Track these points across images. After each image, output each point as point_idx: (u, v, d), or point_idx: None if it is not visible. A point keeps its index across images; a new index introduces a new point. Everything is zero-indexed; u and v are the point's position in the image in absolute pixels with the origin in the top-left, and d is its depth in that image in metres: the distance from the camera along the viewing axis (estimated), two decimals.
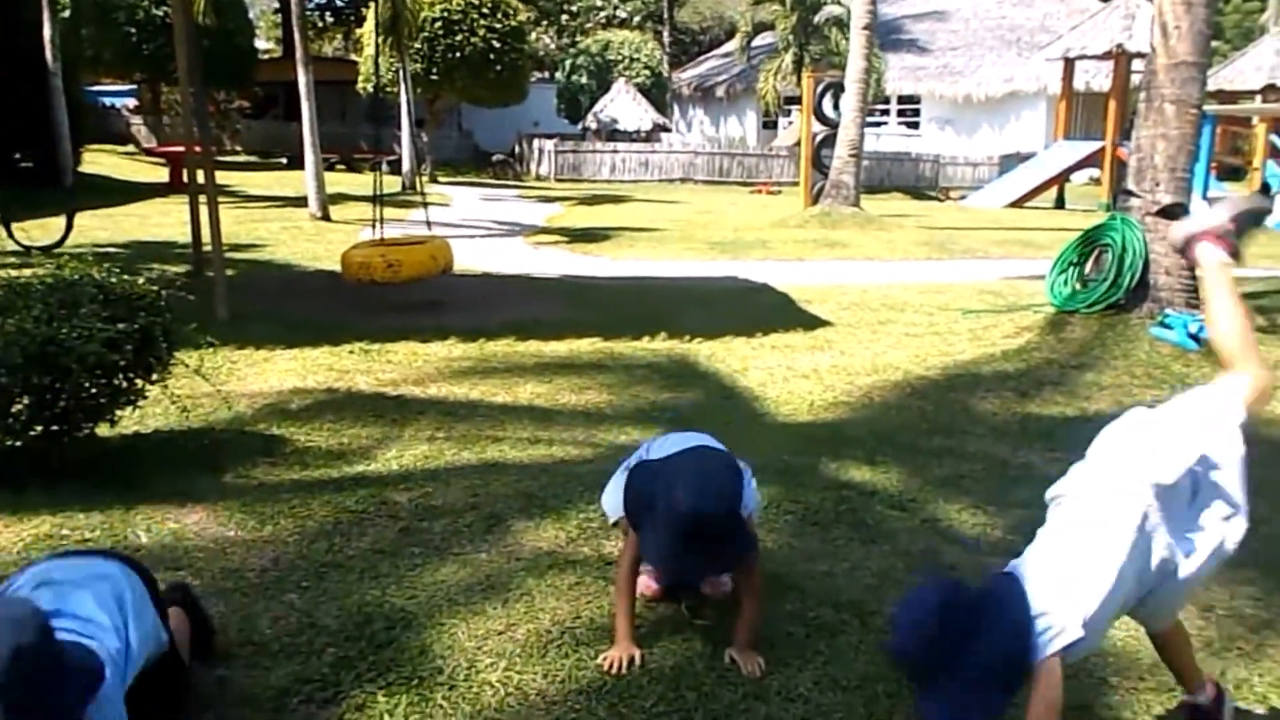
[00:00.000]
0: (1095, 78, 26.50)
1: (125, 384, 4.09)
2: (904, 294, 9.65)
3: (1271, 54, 24.70)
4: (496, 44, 23.65)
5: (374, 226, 8.76)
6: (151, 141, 27.16)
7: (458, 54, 23.31)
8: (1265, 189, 21.05)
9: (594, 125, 30.71)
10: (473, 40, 23.37)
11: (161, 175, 18.80)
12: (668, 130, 32.80)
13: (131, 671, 2.18)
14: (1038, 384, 5.98)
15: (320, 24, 38.67)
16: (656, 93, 33.01)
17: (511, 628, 2.96)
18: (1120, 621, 3.02)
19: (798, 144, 23.03)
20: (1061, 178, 23.05)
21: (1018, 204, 22.36)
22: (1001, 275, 11.11)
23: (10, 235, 9.85)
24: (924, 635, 2.19)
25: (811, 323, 8.19)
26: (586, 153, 29.73)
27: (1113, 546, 2.28)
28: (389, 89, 22.07)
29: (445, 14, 23.10)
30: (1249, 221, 2.71)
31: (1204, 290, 2.69)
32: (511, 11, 24.35)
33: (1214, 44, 8.83)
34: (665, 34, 40.35)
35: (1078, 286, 7.48)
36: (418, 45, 22.39)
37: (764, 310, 8.87)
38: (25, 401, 3.75)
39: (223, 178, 13.64)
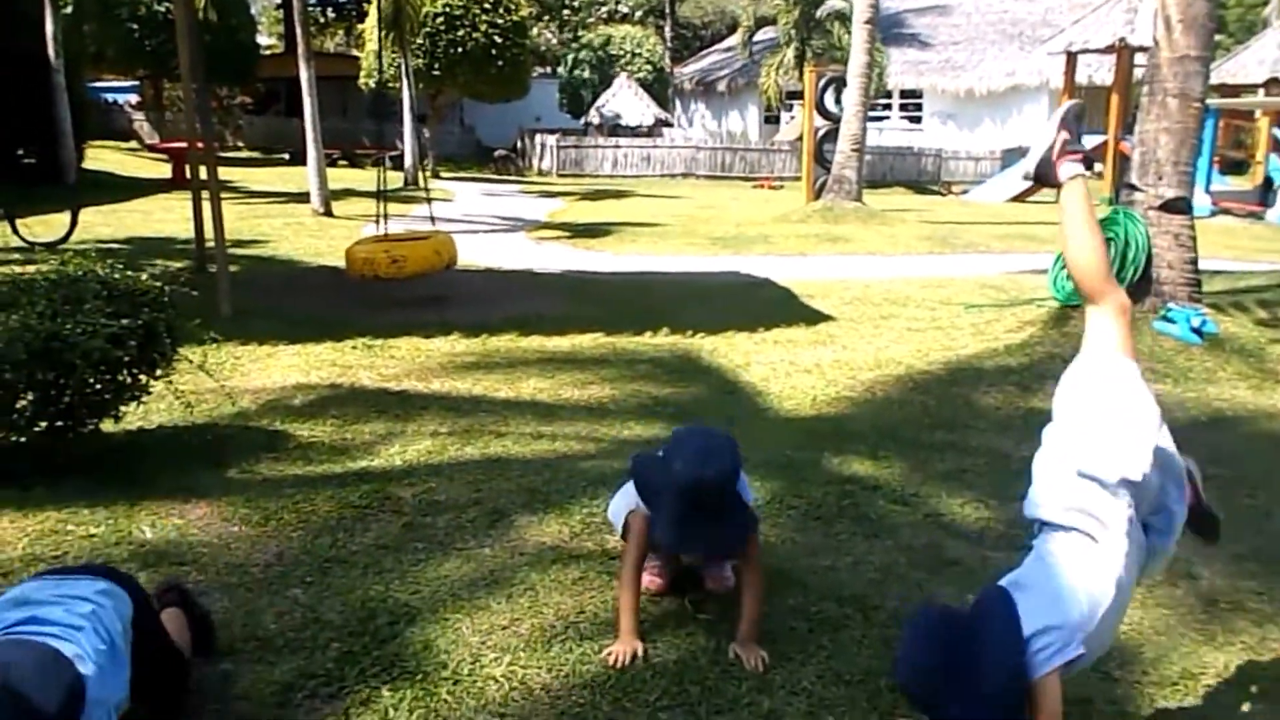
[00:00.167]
0: (1098, 71, 26.44)
1: (129, 380, 4.09)
2: (906, 289, 9.65)
3: (1274, 47, 24.60)
4: (498, 39, 23.66)
5: (377, 222, 8.77)
6: (154, 138, 27.15)
7: (460, 49, 23.33)
8: (1269, 184, 21.03)
9: (596, 120, 30.69)
10: (474, 35, 23.38)
11: (164, 171, 18.80)
12: (669, 125, 32.79)
13: (121, 676, 2.14)
14: (1040, 378, 5.98)
15: (322, 19, 38.66)
16: (658, 88, 32.99)
17: (515, 622, 2.97)
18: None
19: (800, 139, 23.02)
20: None
21: (1020, 198, 22.34)
22: (1004, 270, 11.12)
23: (15, 231, 9.86)
24: (923, 669, 2.21)
25: (814, 318, 8.19)
26: (588, 148, 29.71)
27: (1107, 561, 2.27)
28: (391, 84, 22.07)
29: (447, 9, 23.11)
30: (1075, 122, 2.69)
31: (1064, 213, 2.62)
32: (513, 6, 24.36)
33: (1217, 38, 8.80)
34: (667, 28, 40.34)
35: None
36: (419, 40, 22.41)
37: (766, 305, 8.87)
38: (30, 397, 3.76)
39: (225, 174, 13.62)
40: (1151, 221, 6.98)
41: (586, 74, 32.53)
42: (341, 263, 8.42)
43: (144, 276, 4.35)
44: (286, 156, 26.76)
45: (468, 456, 4.49)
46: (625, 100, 30.86)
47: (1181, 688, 2.84)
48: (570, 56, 33.54)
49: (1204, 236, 7.59)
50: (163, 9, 24.16)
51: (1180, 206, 7.00)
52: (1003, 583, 2.38)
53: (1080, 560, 2.28)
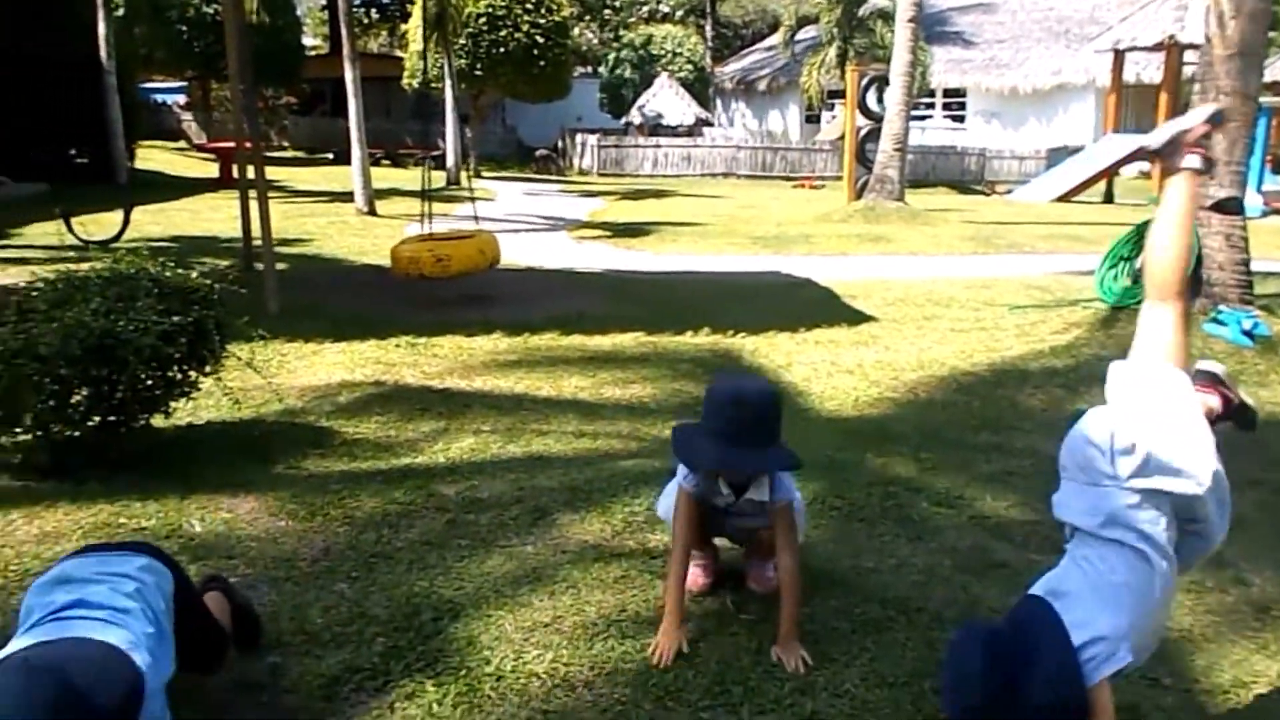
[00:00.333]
0: (1146, 69, 26.03)
1: (180, 376, 4.17)
2: (949, 289, 9.56)
3: None
4: (540, 39, 23.74)
5: (421, 221, 8.83)
6: (202, 138, 27.62)
7: (502, 49, 23.44)
8: None
9: (637, 120, 30.71)
10: (517, 36, 23.49)
11: (211, 171, 19.09)
12: (710, 125, 32.73)
13: (168, 653, 2.15)
14: (1087, 380, 5.90)
15: (366, 20, 39.04)
16: (699, 87, 32.95)
17: (558, 619, 2.98)
18: (1172, 622, 2.99)
19: (841, 138, 22.89)
20: (1111, 171, 22.68)
21: (1065, 198, 22.03)
22: (1049, 270, 10.97)
23: (70, 230, 10.05)
24: (972, 691, 2.18)
25: (855, 318, 8.15)
26: (629, 148, 29.74)
27: (1145, 565, 2.24)
28: (434, 85, 22.24)
29: (489, 10, 23.23)
30: (1215, 123, 2.64)
31: (1166, 203, 2.58)
32: (555, 7, 24.42)
33: (1270, 34, 8.63)
34: (708, 28, 40.27)
35: (1128, 282, 7.37)
36: (462, 41, 22.55)
37: (807, 305, 8.83)
38: (84, 393, 3.83)
39: (271, 173, 13.81)
40: (1202, 222, 6.86)
41: (627, 73, 32.56)
42: (385, 261, 8.50)
43: (194, 274, 4.42)
44: (331, 156, 27.06)
45: (510, 454, 4.51)
46: (666, 100, 30.85)
47: (1232, 696, 2.79)
48: (611, 56, 33.59)
49: (1256, 237, 7.44)
50: (211, 11, 24.54)
51: (1232, 206, 6.87)
52: (1039, 591, 2.35)
53: (1119, 565, 2.25)
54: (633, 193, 22.01)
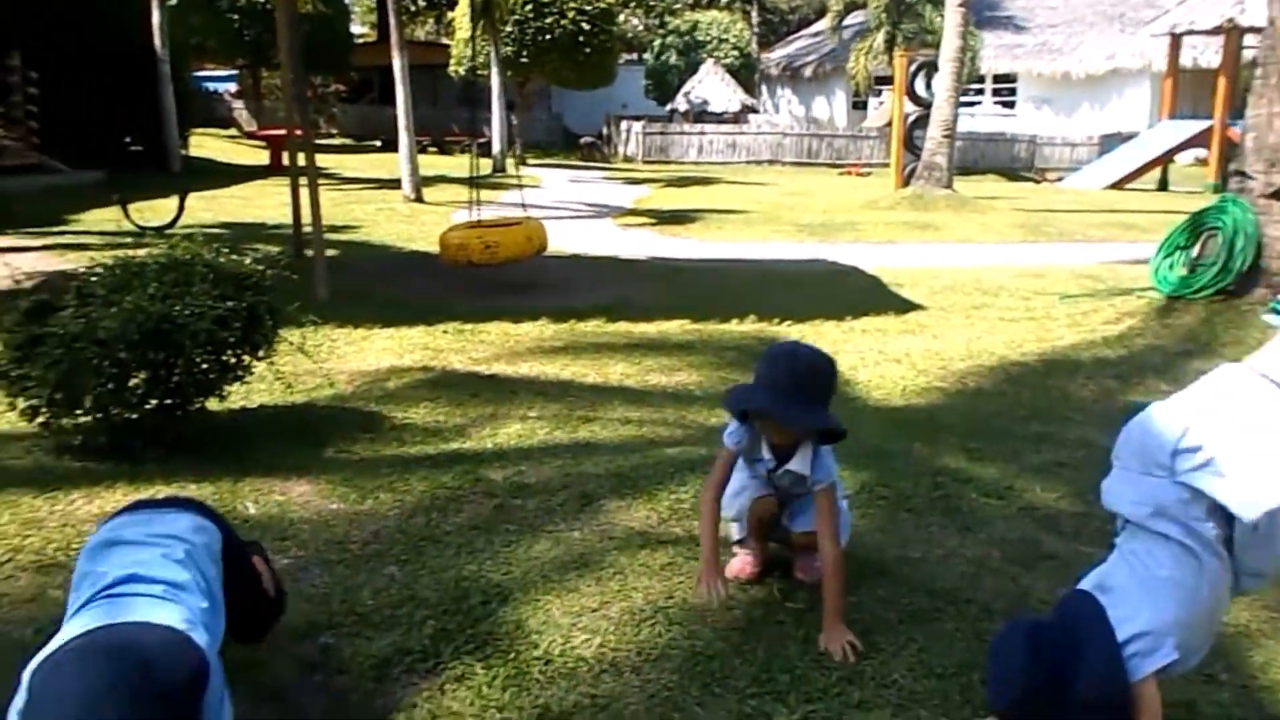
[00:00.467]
0: (1204, 54, 25.48)
1: (234, 360, 4.24)
2: (999, 278, 9.44)
3: None
4: (586, 26, 23.77)
5: (470, 208, 8.89)
6: (252, 125, 27.98)
7: (548, 36, 23.49)
8: None
9: (683, 107, 30.62)
10: (563, 23, 23.53)
11: (262, 158, 19.34)
12: (755, 111, 32.55)
13: (220, 624, 2.16)
14: (1141, 371, 5.81)
15: (413, 8, 39.22)
16: (745, 73, 32.78)
17: (605, 605, 3.00)
18: (1229, 618, 2.94)
19: (888, 125, 22.66)
20: (1166, 158, 22.23)
21: (1118, 185, 21.66)
22: (1101, 259, 10.80)
23: (127, 216, 10.25)
24: (1018, 685, 2.17)
25: (903, 306, 8.08)
26: (674, 134, 29.68)
27: (1196, 563, 2.19)
28: (480, 72, 22.33)
29: None
30: None
31: None
32: None
33: None
34: (754, 14, 40.01)
35: (1184, 271, 7.23)
36: (509, 28, 22.61)
37: (854, 293, 8.77)
38: (141, 376, 3.91)
39: (319, 161, 13.95)
40: (1261, 210, 6.71)
41: (673, 60, 32.48)
42: (432, 248, 8.57)
43: (247, 260, 4.49)
44: (378, 144, 27.31)
45: (557, 440, 4.54)
46: (712, 86, 30.73)
47: None
48: (657, 43, 33.52)
49: None
50: (261, 0, 24.81)
51: None
52: (1086, 586, 2.33)
53: (1165, 560, 2.21)
54: (677, 180, 21.96)
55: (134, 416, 4.05)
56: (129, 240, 9.43)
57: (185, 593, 2.09)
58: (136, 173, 14.49)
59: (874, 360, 6.35)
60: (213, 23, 25.11)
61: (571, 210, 15.56)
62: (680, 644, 2.80)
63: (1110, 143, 25.75)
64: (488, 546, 3.38)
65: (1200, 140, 21.88)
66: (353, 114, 32.31)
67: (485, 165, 18.92)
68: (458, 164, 19.57)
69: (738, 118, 30.83)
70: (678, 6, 40.70)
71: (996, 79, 31.82)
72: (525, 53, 23.62)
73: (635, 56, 36.91)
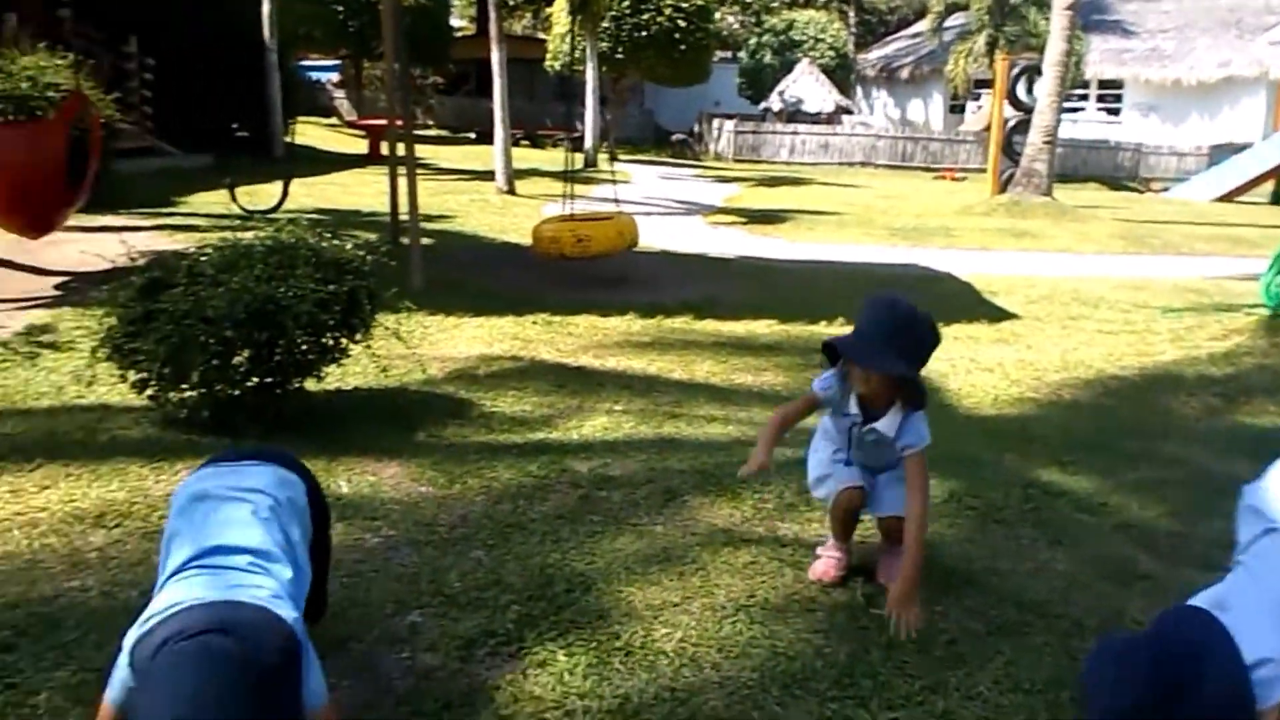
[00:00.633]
0: None
1: (332, 342, 4.35)
2: (1098, 289, 9.20)
3: None
4: (682, 23, 23.74)
5: (563, 202, 8.97)
6: (353, 115, 28.61)
7: (644, 33, 23.54)
8: None
9: (777, 106, 30.41)
10: (659, 19, 23.55)
11: (361, 147, 19.78)
12: (849, 112, 32.17)
13: (304, 589, 2.20)
14: (1248, 390, 5.61)
15: (511, 2, 39.69)
16: (840, 74, 32.41)
17: (686, 600, 3.00)
18: None
19: (986, 129, 22.18)
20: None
21: (1228, 198, 20.89)
22: (1207, 273, 10.44)
23: (235, 200, 10.58)
24: (1128, 698, 2.04)
25: (996, 315, 7.92)
26: (766, 134, 29.51)
27: None
28: (576, 67, 22.49)
29: None
30: None
31: None
32: None
33: None
34: (851, 14, 39.53)
35: None
36: (605, 24, 22.72)
37: (945, 300, 8.61)
38: (245, 354, 4.05)
39: (416, 151, 14.25)
40: None
41: (768, 59, 32.27)
42: (524, 240, 8.68)
43: (348, 246, 4.61)
44: (473, 135, 27.69)
45: (642, 435, 4.56)
46: (806, 86, 30.45)
47: None
48: (752, 41, 33.34)
49: None
50: None
51: None
52: (1200, 602, 2.22)
53: None
54: (768, 179, 21.83)
55: (236, 393, 4.18)
56: (235, 223, 9.73)
57: (272, 563, 2.13)
58: (241, 158, 14.95)
59: (965, 368, 6.24)
60: (318, 13, 25.71)
61: (662, 207, 15.59)
62: (761, 643, 2.80)
63: (1221, 153, 24.82)
64: (572, 536, 3.41)
65: None
66: (449, 106, 32.84)
67: (578, 160, 19.07)
68: (550, 158, 19.77)
69: (831, 118, 30.51)
70: (774, 5, 40.41)
71: (1102, 85, 30.91)
72: (621, 49, 23.71)
73: (730, 54, 36.76)
